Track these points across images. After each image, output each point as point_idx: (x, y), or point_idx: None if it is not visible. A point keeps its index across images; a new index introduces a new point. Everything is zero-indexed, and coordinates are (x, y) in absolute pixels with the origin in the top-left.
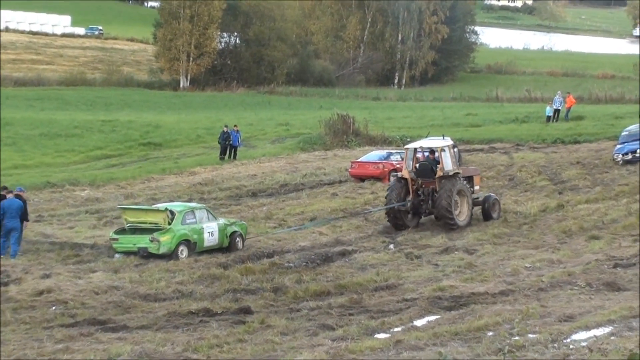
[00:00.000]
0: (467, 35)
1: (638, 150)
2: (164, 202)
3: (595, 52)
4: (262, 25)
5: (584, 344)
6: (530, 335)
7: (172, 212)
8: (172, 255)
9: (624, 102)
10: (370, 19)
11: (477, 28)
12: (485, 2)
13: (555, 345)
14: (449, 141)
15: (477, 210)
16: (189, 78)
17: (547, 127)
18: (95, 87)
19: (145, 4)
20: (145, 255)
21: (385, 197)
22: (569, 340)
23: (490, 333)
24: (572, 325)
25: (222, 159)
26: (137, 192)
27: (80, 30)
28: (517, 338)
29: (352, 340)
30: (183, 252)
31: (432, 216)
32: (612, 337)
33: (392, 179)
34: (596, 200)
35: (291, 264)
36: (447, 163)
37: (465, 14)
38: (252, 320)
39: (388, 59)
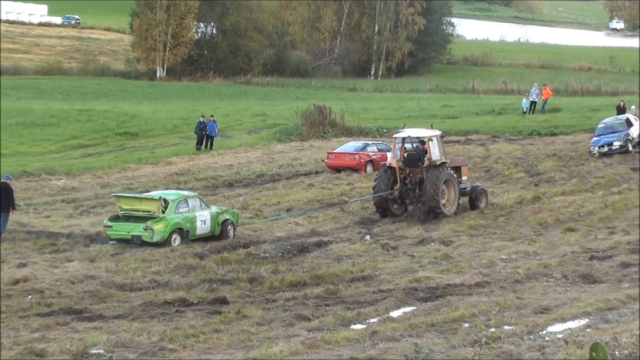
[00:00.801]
0: (444, 26)
1: (614, 143)
2: (141, 191)
3: (571, 45)
4: (238, 16)
5: (559, 335)
6: (506, 327)
7: (165, 201)
8: (165, 243)
9: (600, 94)
10: (346, 10)
11: (453, 20)
12: None
13: (531, 337)
14: (436, 131)
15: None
16: (165, 68)
17: (524, 119)
18: (72, 77)
19: None
20: (139, 243)
21: (374, 187)
22: (544, 332)
23: (466, 324)
24: (548, 317)
25: (198, 149)
26: (113, 182)
27: (57, 20)
28: (493, 330)
29: (328, 331)
30: (176, 240)
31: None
32: (587, 329)
33: (368, 169)
34: (572, 193)
35: (267, 255)
36: (435, 153)
37: (442, 6)
38: (228, 310)
39: (364, 50)
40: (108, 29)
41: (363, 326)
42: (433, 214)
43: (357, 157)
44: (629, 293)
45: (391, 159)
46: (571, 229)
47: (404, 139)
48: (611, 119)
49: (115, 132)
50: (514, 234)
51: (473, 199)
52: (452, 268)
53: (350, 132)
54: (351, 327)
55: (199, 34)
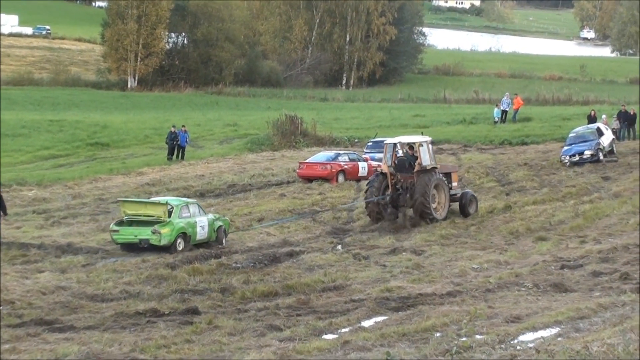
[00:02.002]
0: (415, 36)
1: (585, 152)
2: (112, 202)
3: (542, 54)
4: (210, 26)
5: (531, 345)
6: (477, 336)
7: (170, 206)
8: (171, 247)
9: (571, 103)
10: (318, 20)
11: (425, 29)
12: (433, 3)
13: (503, 346)
14: (427, 137)
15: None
16: (136, 78)
17: (495, 129)
18: (43, 87)
19: (93, 3)
20: (146, 246)
21: (365, 192)
22: (516, 341)
23: (438, 334)
24: (519, 326)
25: (169, 159)
26: (84, 192)
27: (28, 30)
28: (464, 339)
29: (299, 341)
30: (180, 244)
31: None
32: (559, 338)
33: (340, 178)
34: (543, 202)
35: (239, 265)
36: (425, 158)
37: (413, 15)
38: (199, 320)
39: (336, 59)
40: (79, 39)
41: (335, 336)
42: (424, 218)
43: (328, 166)
44: (600, 302)
45: (383, 164)
46: (542, 238)
47: (394, 145)
48: (582, 128)
49: (87, 142)
50: (486, 243)
51: (463, 205)
52: (424, 277)
53: (321, 142)
54: (323, 337)
55: (170, 44)
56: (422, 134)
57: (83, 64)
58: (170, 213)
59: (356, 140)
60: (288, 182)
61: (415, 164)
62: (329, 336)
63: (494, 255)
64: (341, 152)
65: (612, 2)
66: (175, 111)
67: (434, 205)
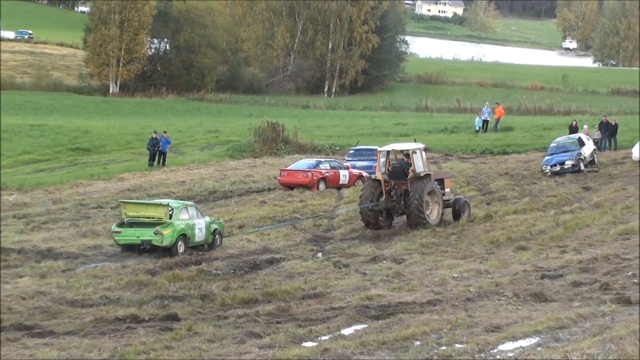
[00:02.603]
0: (398, 44)
1: (566, 162)
2: (93, 207)
3: (524, 64)
4: (192, 32)
5: (510, 354)
6: (457, 345)
7: (171, 207)
8: (172, 248)
9: (553, 113)
10: (300, 27)
11: (407, 38)
12: (416, 11)
13: (482, 355)
14: (420, 144)
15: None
16: (118, 84)
17: (476, 138)
18: (25, 92)
19: (76, 8)
20: (148, 247)
21: (360, 197)
22: (496, 350)
23: (418, 343)
24: (499, 335)
25: (151, 165)
26: (65, 198)
27: (10, 34)
28: (444, 348)
29: (279, 349)
30: (181, 246)
31: (405, 217)
32: (538, 348)
33: (321, 186)
34: (524, 211)
35: (219, 271)
36: (419, 165)
37: (395, 24)
38: (179, 327)
39: (318, 67)
40: (61, 44)
41: (314, 344)
42: (418, 224)
43: (309, 174)
44: (580, 312)
45: (377, 171)
46: (523, 247)
47: (388, 152)
48: (563, 138)
49: (68, 147)
50: (466, 252)
51: (457, 211)
52: (404, 286)
53: (303, 150)
54: (302, 344)
55: (153, 50)
56: (414, 140)
57: (65, 69)
58: (171, 215)
59: (337, 148)
60: (269, 189)
61: (409, 170)
62: (309, 344)
63: (475, 265)
64: (322, 159)
65: (594, 12)
66: (157, 117)
67: (427, 212)
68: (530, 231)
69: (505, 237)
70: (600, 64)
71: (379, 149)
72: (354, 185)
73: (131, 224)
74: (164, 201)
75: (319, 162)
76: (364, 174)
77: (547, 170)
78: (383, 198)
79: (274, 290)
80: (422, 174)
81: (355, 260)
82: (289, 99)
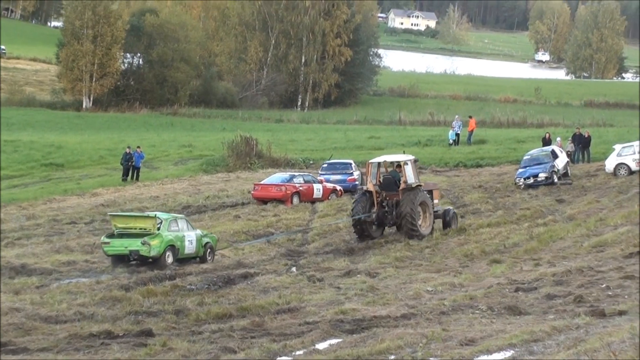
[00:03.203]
0: (371, 58)
1: (540, 175)
2: (67, 223)
3: (497, 76)
4: (165, 47)
5: None
6: (432, 359)
7: (159, 219)
8: (159, 259)
9: (526, 126)
10: (273, 41)
11: (380, 51)
12: (389, 25)
13: None
14: (410, 156)
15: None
16: (91, 98)
17: (450, 151)
18: None
19: (49, 23)
20: (136, 258)
21: (352, 210)
22: None
23: (392, 357)
24: (474, 349)
25: (124, 180)
26: (39, 213)
27: None
28: None
29: None
30: (169, 257)
31: (395, 227)
32: None
33: (295, 200)
34: (498, 224)
35: (193, 286)
36: (410, 176)
37: (368, 37)
38: (153, 342)
39: (291, 81)
40: (34, 59)
41: (289, 358)
42: (410, 234)
43: (283, 188)
44: (554, 325)
45: (368, 183)
46: (497, 260)
47: (379, 163)
48: (537, 151)
49: (41, 163)
50: (440, 266)
51: (447, 221)
52: (378, 300)
53: (276, 164)
54: (277, 359)
55: (126, 65)
56: (403, 152)
57: (38, 84)
58: (159, 226)
59: (311, 162)
60: (243, 204)
61: (401, 182)
62: (284, 358)
63: (449, 278)
64: (296, 173)
65: (567, 25)
66: (130, 132)
67: (419, 222)
68: (504, 244)
69: (479, 251)
70: (573, 76)
71: (370, 160)
72: (328, 199)
73: (120, 235)
74: (152, 213)
75: (293, 176)
76: (338, 187)
77: (521, 183)
78: (375, 209)
79: (248, 305)
80: (413, 185)
81: (329, 274)
82: (262, 113)
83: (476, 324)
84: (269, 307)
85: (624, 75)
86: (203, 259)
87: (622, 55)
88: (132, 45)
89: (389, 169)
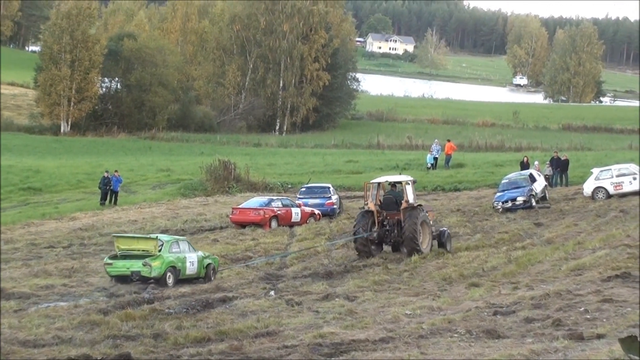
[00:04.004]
0: (349, 82)
1: (518, 198)
2: (45, 247)
3: (475, 100)
4: (143, 71)
5: None
6: None
7: (161, 241)
8: (160, 280)
9: (504, 150)
10: (251, 65)
11: (358, 75)
12: (367, 49)
13: None
14: (409, 177)
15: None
16: (69, 123)
17: (428, 175)
18: None
19: (26, 48)
20: (137, 278)
21: (354, 227)
22: None
23: None
24: None
25: (102, 204)
26: (16, 237)
27: None
28: None
29: None
30: (170, 278)
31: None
32: None
33: (273, 224)
34: (476, 248)
35: (171, 310)
36: (411, 196)
37: (346, 61)
38: None
39: (269, 105)
40: (12, 84)
41: None
42: (412, 251)
43: (261, 212)
44: (533, 348)
45: (369, 203)
46: (475, 284)
47: (379, 184)
48: (515, 175)
49: (19, 187)
50: (418, 289)
51: (443, 242)
52: (357, 323)
53: (255, 188)
54: None
55: (104, 89)
56: (400, 173)
57: (16, 108)
58: (160, 248)
59: (289, 186)
60: (221, 228)
61: (403, 201)
62: None
63: (427, 302)
64: (274, 197)
65: (545, 49)
66: (109, 156)
67: (420, 240)
68: (483, 267)
69: (458, 274)
70: (551, 100)
71: (371, 181)
72: (306, 222)
73: (123, 257)
74: (154, 235)
75: (271, 200)
76: (316, 211)
77: (499, 207)
78: (376, 228)
79: (226, 329)
80: (415, 205)
81: (307, 298)
82: (240, 137)
83: (454, 348)
84: (248, 330)
85: (601, 99)
86: (207, 279)
87: (599, 79)
88: (110, 70)
89: (386, 190)
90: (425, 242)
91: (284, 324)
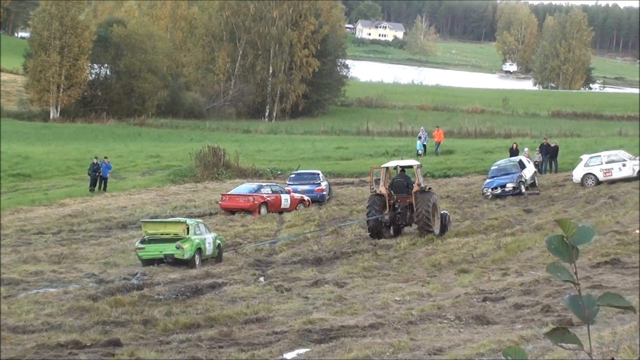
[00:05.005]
0: (338, 68)
1: (507, 185)
2: (34, 233)
3: (465, 87)
4: (132, 57)
5: None
6: None
7: (187, 224)
8: (190, 261)
9: (494, 136)
10: (241, 52)
11: (348, 61)
12: (357, 35)
13: None
14: (417, 162)
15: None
16: (59, 109)
17: (418, 161)
18: None
19: (15, 34)
20: (171, 261)
21: (367, 212)
22: None
23: None
24: (442, 358)
25: (92, 190)
26: (6, 224)
27: None
28: None
29: None
30: (197, 259)
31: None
32: None
33: (262, 210)
34: (466, 234)
35: (161, 296)
36: (421, 179)
37: (336, 48)
38: (121, 352)
39: (259, 91)
40: (1, 70)
41: None
42: (425, 232)
43: (251, 198)
44: (522, 334)
45: (381, 186)
46: (464, 270)
47: (387, 168)
48: (504, 161)
49: (8, 173)
50: (408, 276)
51: (445, 224)
52: (346, 310)
53: (244, 174)
54: None
55: (93, 75)
56: (401, 159)
57: (5, 95)
58: (187, 231)
59: (279, 173)
60: (210, 214)
61: (414, 185)
62: None
63: (417, 288)
64: (264, 184)
65: (534, 35)
66: (98, 142)
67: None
68: (472, 254)
69: (447, 260)
70: (541, 87)
71: (382, 165)
72: (296, 209)
73: (153, 241)
74: (182, 219)
75: (261, 187)
76: (305, 198)
77: (489, 193)
78: (387, 211)
79: (216, 315)
80: (426, 188)
81: (297, 284)
82: (230, 124)
83: (444, 334)
84: (237, 317)
85: (591, 85)
86: (218, 259)
87: (589, 66)
88: (99, 56)
89: (392, 174)
90: (435, 224)
91: (273, 310)
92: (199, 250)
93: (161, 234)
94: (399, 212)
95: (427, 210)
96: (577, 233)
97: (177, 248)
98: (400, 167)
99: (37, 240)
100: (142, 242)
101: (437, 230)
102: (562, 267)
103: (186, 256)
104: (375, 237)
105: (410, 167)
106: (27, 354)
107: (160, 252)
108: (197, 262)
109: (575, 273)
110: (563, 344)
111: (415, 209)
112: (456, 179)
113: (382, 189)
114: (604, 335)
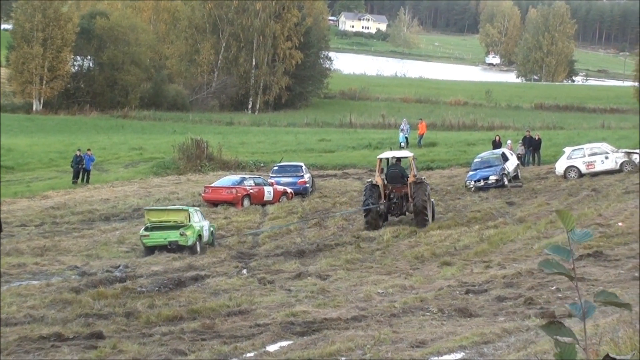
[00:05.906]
0: (321, 60)
1: (490, 177)
2: (17, 225)
3: (448, 79)
4: (116, 49)
5: None
6: None
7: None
8: (192, 247)
9: (477, 128)
10: (224, 44)
11: (331, 54)
12: (340, 28)
13: None
14: (411, 153)
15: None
16: (42, 101)
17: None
18: None
19: None
20: (174, 247)
21: (363, 202)
22: None
23: (343, 359)
24: (424, 350)
25: (74, 182)
26: None
27: None
28: None
29: None
30: (198, 245)
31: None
32: None
33: (245, 203)
34: (448, 227)
35: (144, 289)
36: (416, 170)
37: (319, 40)
38: (104, 345)
39: (242, 83)
40: None
41: None
42: (422, 222)
43: (234, 191)
44: (505, 327)
45: (376, 177)
46: (447, 263)
47: (381, 159)
48: (487, 154)
49: None
50: (391, 268)
51: (433, 213)
52: (329, 302)
53: (227, 166)
54: None
55: (76, 67)
56: (390, 149)
57: None
58: (189, 218)
59: (262, 165)
60: (193, 206)
61: (410, 175)
62: None
63: (399, 280)
64: (247, 176)
65: (517, 28)
66: (81, 135)
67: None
68: (455, 246)
69: (430, 253)
70: (524, 79)
71: (379, 156)
72: (279, 201)
73: (156, 228)
74: (184, 207)
75: (244, 179)
76: (288, 190)
77: (471, 186)
78: (382, 201)
79: (198, 308)
80: (421, 179)
81: (280, 276)
82: (213, 116)
83: (427, 326)
84: (220, 309)
85: (574, 78)
86: (212, 245)
87: (572, 58)
88: (82, 48)
89: (387, 165)
90: (430, 214)
91: (256, 303)
92: (200, 236)
93: (164, 222)
94: (395, 202)
95: (424, 200)
96: (576, 234)
97: (181, 235)
98: (396, 158)
99: (19, 233)
100: (146, 229)
101: (430, 221)
102: (556, 262)
103: (189, 242)
104: (371, 228)
105: (406, 158)
106: (9, 347)
107: (165, 239)
108: (198, 248)
109: (574, 269)
110: (558, 337)
111: (412, 199)
112: (439, 172)
113: (377, 179)
114: (586, 328)
